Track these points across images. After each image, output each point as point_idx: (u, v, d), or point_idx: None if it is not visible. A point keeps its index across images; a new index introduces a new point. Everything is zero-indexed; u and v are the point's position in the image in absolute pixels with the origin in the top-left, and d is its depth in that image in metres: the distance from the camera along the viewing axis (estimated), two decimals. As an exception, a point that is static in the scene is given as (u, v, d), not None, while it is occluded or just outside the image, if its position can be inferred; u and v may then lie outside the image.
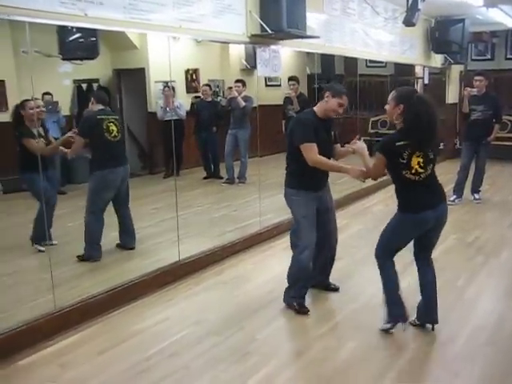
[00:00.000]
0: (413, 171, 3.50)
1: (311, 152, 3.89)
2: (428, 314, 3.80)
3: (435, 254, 5.36)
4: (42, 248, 5.34)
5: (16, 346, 3.56)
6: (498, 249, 5.61)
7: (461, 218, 6.81)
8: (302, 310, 4.10)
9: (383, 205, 7.47)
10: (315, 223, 4.09)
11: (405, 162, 3.47)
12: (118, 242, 5.59)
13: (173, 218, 5.29)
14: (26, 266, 5.02)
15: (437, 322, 3.77)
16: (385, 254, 3.77)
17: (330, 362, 3.44)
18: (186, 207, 6.70)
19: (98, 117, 5.22)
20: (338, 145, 4.30)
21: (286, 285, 4.22)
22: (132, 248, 5.52)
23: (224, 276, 4.97)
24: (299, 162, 3.95)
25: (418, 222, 3.60)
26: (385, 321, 3.77)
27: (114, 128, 5.25)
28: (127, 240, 5.55)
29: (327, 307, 4.23)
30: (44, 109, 5.56)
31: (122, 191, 5.44)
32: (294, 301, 4.13)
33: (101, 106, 5.33)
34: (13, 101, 7.77)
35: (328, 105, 4.01)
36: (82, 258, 5.13)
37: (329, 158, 4.04)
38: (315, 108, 4.10)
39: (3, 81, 8.07)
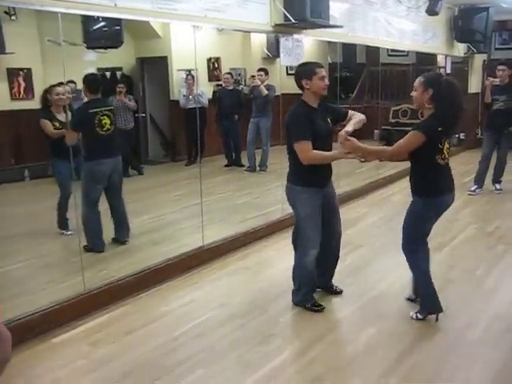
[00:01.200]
0: (442, 156, 3.59)
1: (303, 151, 3.68)
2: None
3: (454, 242, 5.49)
4: (68, 232, 5.49)
5: (50, 324, 3.72)
6: (518, 239, 5.63)
7: (481, 208, 6.84)
8: (316, 309, 3.99)
9: (402, 194, 7.51)
10: (320, 223, 3.89)
11: (441, 147, 3.56)
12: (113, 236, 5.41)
13: (196, 205, 5.40)
14: (56, 250, 5.17)
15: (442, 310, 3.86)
16: (414, 244, 3.78)
17: (350, 346, 3.54)
18: (208, 194, 6.77)
19: (90, 111, 5.01)
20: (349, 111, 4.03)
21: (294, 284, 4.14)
22: (124, 242, 5.33)
23: (247, 261, 5.08)
24: None
25: (441, 205, 3.68)
26: (418, 312, 3.81)
27: (107, 121, 5.07)
28: (120, 233, 5.37)
29: (348, 293, 4.31)
30: (70, 95, 5.52)
31: (114, 182, 5.24)
32: (305, 303, 4.02)
33: (94, 96, 5.11)
34: (39, 88, 7.97)
35: (313, 88, 3.75)
36: (87, 249, 4.98)
37: (329, 145, 3.87)
38: (303, 98, 3.82)
39: (30, 69, 8.24)
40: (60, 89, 5.44)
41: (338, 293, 4.28)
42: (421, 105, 3.62)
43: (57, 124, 5.33)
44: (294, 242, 4.11)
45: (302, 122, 3.71)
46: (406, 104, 11.16)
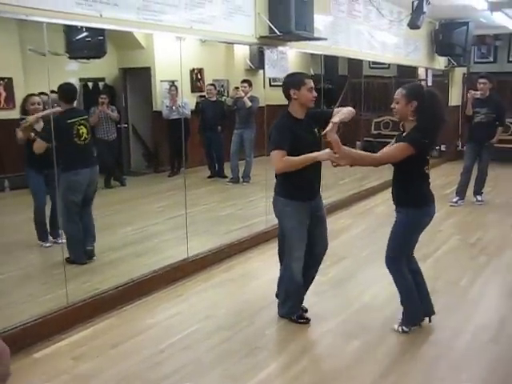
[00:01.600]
0: (428, 166, 3.66)
1: (275, 161, 3.63)
2: (429, 306, 3.90)
3: (438, 253, 5.53)
4: (47, 244, 5.42)
5: (31, 338, 3.64)
6: (500, 249, 5.68)
7: (463, 220, 6.91)
8: (302, 322, 3.97)
9: (385, 206, 7.56)
10: (306, 235, 3.82)
11: (428, 158, 3.63)
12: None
13: (179, 216, 5.37)
14: (38, 262, 5.09)
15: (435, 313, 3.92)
16: (399, 257, 3.77)
17: (335, 359, 3.52)
18: (191, 205, 6.70)
19: (68, 121, 4.94)
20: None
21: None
22: (90, 248, 5.19)
23: (232, 273, 5.05)
24: None
25: (428, 214, 3.71)
26: (402, 324, 3.81)
27: (84, 130, 5.04)
28: (86, 239, 5.18)
29: (332, 306, 4.30)
30: (40, 106, 5.33)
31: (89, 192, 5.12)
32: (291, 315, 3.99)
33: (69, 106, 5.05)
34: (20, 98, 7.88)
35: (301, 99, 3.70)
36: (69, 261, 4.87)
37: (318, 165, 3.79)
38: (289, 109, 3.77)
39: (11, 78, 8.16)
40: (36, 98, 5.38)
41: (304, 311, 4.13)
42: (404, 117, 3.61)
43: (32, 134, 5.20)
44: (280, 254, 4.08)
45: (281, 132, 3.66)
46: (387, 116, 11.28)
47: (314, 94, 3.76)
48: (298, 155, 3.62)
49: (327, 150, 3.54)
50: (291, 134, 3.64)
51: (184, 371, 3.33)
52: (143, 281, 4.54)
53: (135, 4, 4.28)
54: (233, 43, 7.37)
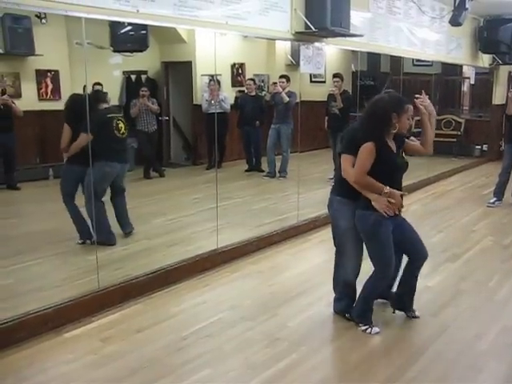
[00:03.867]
0: None
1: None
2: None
3: (469, 253, 5.47)
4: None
5: (63, 319, 3.82)
6: (534, 252, 5.59)
7: (499, 221, 6.78)
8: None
9: (420, 204, 7.53)
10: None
11: None
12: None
13: (213, 208, 5.48)
14: (74, 248, 5.28)
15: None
16: (387, 266, 3.69)
17: (356, 352, 3.55)
18: (226, 198, 6.89)
19: (109, 115, 5.39)
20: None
21: (330, 280, 4.11)
22: (129, 232, 5.63)
23: (260, 265, 5.13)
24: None
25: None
26: (365, 324, 3.79)
27: (123, 125, 5.43)
28: (123, 227, 5.62)
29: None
30: None
31: (118, 182, 5.53)
32: (344, 314, 3.99)
33: (105, 105, 5.52)
34: (66, 90, 8.17)
35: (400, 126, 3.61)
36: (99, 243, 5.03)
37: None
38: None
39: (57, 71, 8.44)
40: None
41: None
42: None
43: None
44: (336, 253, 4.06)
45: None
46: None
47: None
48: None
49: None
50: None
51: (204, 358, 3.43)
52: (172, 269, 4.67)
53: (172, 0, 4.39)
54: (268, 39, 7.41)
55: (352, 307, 3.93)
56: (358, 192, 3.64)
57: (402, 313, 4.00)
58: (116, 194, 5.59)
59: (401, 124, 3.58)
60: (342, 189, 3.76)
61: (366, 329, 3.76)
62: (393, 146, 3.64)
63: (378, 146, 3.52)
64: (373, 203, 3.55)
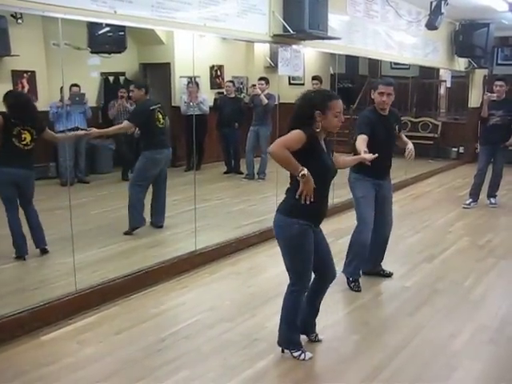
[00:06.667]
0: None
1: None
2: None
3: (446, 253, 5.55)
4: None
5: (39, 322, 3.78)
6: (509, 252, 5.68)
7: (475, 222, 6.89)
8: (356, 290, 4.55)
9: (398, 205, 7.60)
10: (373, 205, 4.53)
11: None
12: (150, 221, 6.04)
13: (192, 210, 5.48)
14: (51, 250, 5.22)
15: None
16: (307, 278, 3.45)
17: (333, 352, 3.58)
18: (205, 200, 6.89)
19: (151, 108, 5.83)
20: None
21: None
22: (161, 226, 6.05)
23: (238, 267, 5.14)
24: None
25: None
26: (296, 350, 3.49)
27: (161, 116, 5.92)
28: (157, 218, 6.05)
29: (335, 302, 4.36)
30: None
31: (164, 171, 6.04)
32: (354, 276, 4.60)
33: (147, 97, 5.96)
34: (42, 91, 8.10)
35: (375, 100, 4.43)
36: (133, 227, 5.77)
37: (390, 153, 4.52)
38: (375, 104, 4.47)
39: (34, 71, 8.34)
40: None
41: (388, 276, 4.82)
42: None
43: None
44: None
45: (364, 122, 4.41)
46: (404, 117, 11.25)
47: (384, 98, 4.39)
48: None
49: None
50: (370, 125, 4.35)
51: (183, 359, 3.43)
52: (151, 271, 4.66)
53: (149, 1, 4.38)
54: (246, 41, 7.46)
55: (359, 273, 4.62)
56: (370, 169, 4.00)
57: (378, 313, 4.05)
58: (160, 183, 6.10)
59: (327, 122, 3.24)
60: (358, 167, 4.27)
61: (300, 355, 3.45)
62: (324, 147, 3.36)
63: (308, 138, 3.18)
64: (300, 182, 3.18)
